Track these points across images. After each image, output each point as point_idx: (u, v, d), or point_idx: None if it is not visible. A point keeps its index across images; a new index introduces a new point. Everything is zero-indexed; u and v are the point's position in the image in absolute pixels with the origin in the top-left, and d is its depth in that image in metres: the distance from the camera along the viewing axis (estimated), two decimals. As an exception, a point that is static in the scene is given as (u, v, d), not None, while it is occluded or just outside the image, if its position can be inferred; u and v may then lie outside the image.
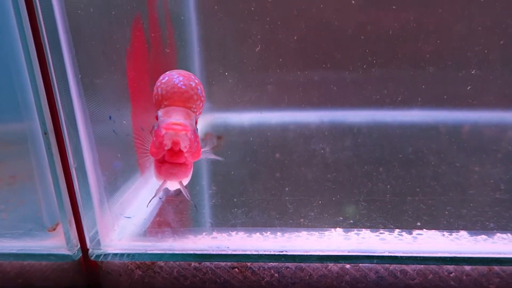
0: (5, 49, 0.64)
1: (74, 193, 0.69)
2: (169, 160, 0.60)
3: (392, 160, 1.02)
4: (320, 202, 0.84)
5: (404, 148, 1.06)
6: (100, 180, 0.70)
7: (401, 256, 0.67)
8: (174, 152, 0.58)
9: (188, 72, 0.65)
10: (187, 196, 0.70)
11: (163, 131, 0.57)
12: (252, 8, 1.03)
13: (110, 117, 0.67)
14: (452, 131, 1.08)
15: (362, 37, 1.03)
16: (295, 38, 1.05)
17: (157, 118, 0.60)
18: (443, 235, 0.71)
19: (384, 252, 0.67)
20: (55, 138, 0.66)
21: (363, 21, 1.02)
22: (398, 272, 0.68)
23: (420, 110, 1.09)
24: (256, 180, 0.96)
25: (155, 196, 0.69)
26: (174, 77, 0.60)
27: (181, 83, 0.59)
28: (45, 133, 0.66)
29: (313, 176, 0.96)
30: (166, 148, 0.58)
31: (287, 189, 0.90)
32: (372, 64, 1.04)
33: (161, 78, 0.62)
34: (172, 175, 0.63)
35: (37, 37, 0.61)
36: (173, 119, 0.57)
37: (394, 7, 0.99)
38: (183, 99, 0.59)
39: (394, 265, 0.67)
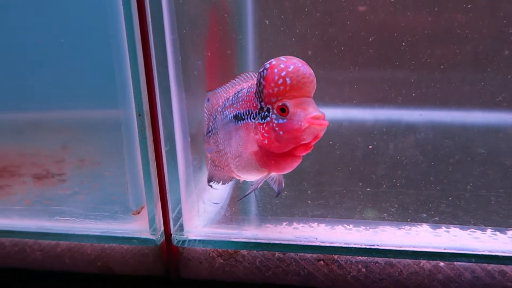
0: (111, 31, 0.64)
1: (163, 177, 0.69)
2: (300, 154, 0.57)
3: (465, 159, 0.98)
4: (399, 197, 0.82)
5: (474, 148, 1.03)
6: (190, 165, 0.69)
7: (502, 256, 0.64)
8: (308, 146, 0.56)
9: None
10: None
11: (305, 125, 0.53)
12: (307, 10, 1.01)
13: (208, 100, 0.66)
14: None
15: (424, 36, 1.00)
16: (352, 36, 1.03)
17: (280, 110, 0.55)
18: (542, 236, 0.68)
19: (484, 251, 0.64)
20: (150, 120, 0.66)
21: (421, 20, 0.99)
22: (496, 273, 0.65)
23: (482, 111, 1.06)
24: (323, 174, 0.94)
25: (256, 187, 0.64)
26: (301, 66, 0.55)
27: (308, 72, 0.55)
28: (139, 114, 0.66)
29: (384, 173, 0.93)
30: (304, 142, 0.55)
31: (360, 184, 0.88)
32: (435, 64, 1.01)
33: (281, 65, 0.54)
34: (291, 168, 0.60)
35: (142, 17, 0.61)
36: (316, 112, 0.53)
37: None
38: (310, 89, 0.56)
39: (493, 265, 0.65)
